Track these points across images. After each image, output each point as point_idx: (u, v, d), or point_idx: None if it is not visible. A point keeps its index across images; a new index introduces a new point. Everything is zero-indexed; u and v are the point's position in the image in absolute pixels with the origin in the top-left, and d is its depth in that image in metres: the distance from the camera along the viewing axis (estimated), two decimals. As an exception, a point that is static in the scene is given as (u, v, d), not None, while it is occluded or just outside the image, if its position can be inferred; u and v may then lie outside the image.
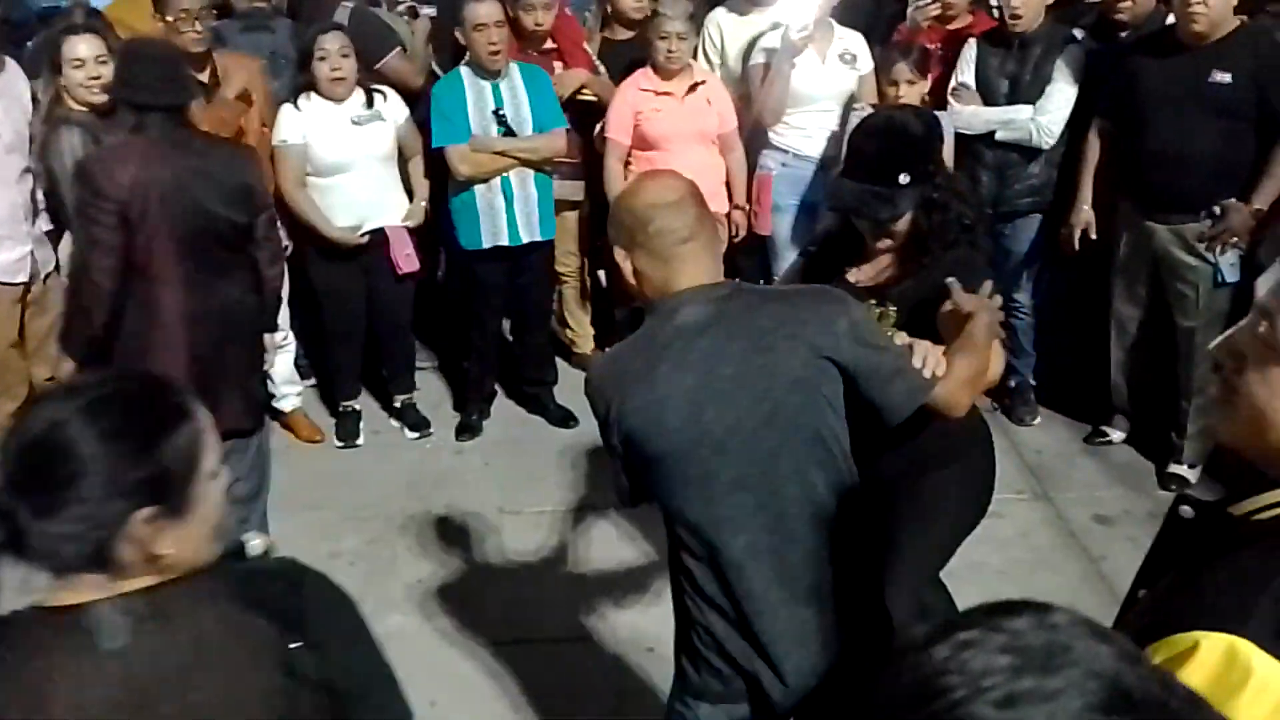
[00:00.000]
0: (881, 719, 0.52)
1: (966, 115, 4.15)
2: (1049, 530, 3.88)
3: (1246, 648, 0.91)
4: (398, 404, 4.62)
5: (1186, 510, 1.09)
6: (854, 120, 4.11)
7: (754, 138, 4.40)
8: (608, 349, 2.41)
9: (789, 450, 1.87)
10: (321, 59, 3.97)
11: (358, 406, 4.60)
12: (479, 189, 4.09)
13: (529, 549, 3.83)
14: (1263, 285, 3.18)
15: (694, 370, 1.84)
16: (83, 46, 3.62)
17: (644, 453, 1.88)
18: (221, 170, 3.12)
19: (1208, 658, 0.92)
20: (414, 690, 3.18)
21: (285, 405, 4.55)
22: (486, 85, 4.05)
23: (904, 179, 2.37)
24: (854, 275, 2.49)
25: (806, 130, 4.28)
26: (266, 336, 3.49)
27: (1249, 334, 1.06)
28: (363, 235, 4.19)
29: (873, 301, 2.41)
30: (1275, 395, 1.04)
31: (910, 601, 2.51)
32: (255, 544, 3.17)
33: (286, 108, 4.06)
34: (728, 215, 4.42)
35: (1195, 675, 0.92)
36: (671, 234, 1.88)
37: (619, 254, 1.95)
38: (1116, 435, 4.37)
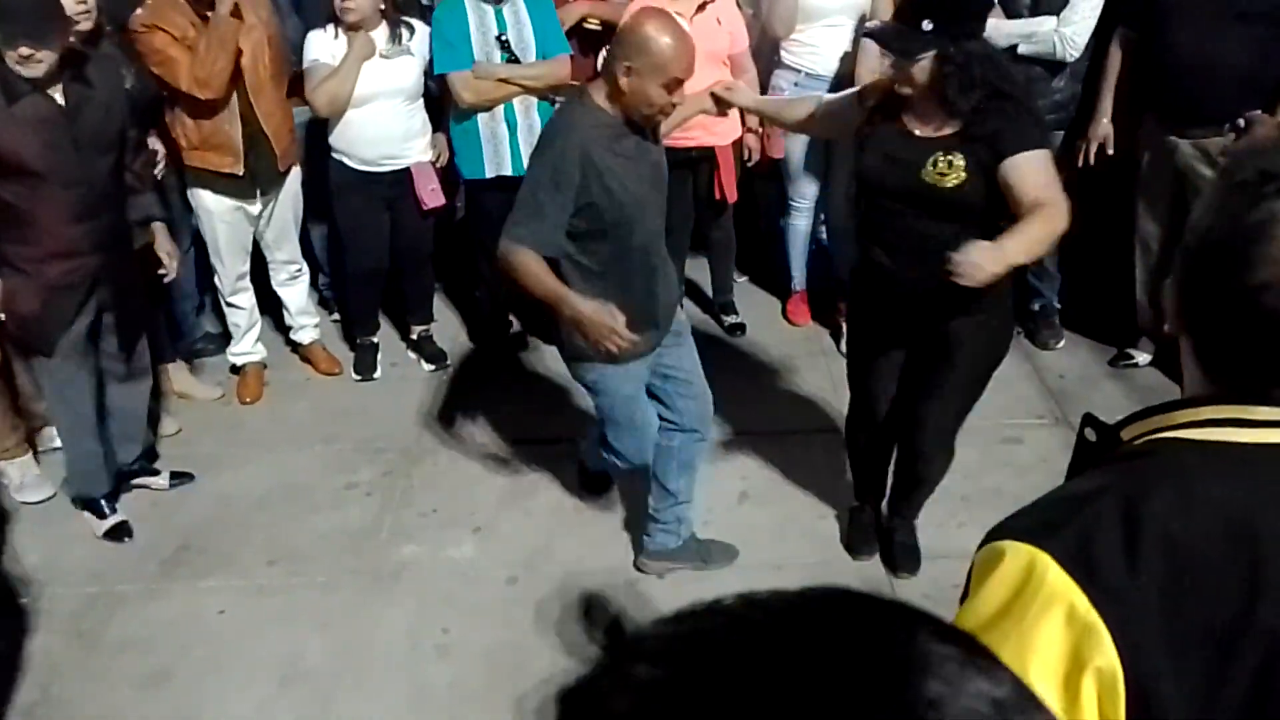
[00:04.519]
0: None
1: (988, 29, 4.00)
2: (1069, 456, 3.80)
3: (1044, 560, 0.91)
4: (415, 336, 4.63)
5: (1089, 433, 1.06)
6: (864, 39, 4.00)
7: (765, 58, 4.29)
8: None
9: None
10: None
11: (376, 340, 4.61)
12: (482, 117, 4.01)
13: (543, 480, 3.85)
14: None
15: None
16: None
17: None
18: None
19: (1010, 566, 0.93)
20: (428, 618, 3.25)
21: (303, 337, 4.58)
22: (489, 10, 3.95)
23: (926, 25, 2.56)
24: (919, 129, 2.72)
25: (818, 48, 4.15)
26: None
27: None
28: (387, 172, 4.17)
29: (940, 152, 2.66)
30: None
31: (944, 439, 3.10)
32: None
33: (317, 33, 4.00)
34: (740, 139, 4.34)
35: (999, 583, 0.93)
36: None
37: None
38: (1142, 358, 4.27)
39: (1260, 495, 0.92)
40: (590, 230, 2.76)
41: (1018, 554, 0.93)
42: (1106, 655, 0.87)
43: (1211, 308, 0.97)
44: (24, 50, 3.02)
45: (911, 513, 3.38)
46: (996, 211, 2.64)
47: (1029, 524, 0.96)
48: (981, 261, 2.39)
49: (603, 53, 4.24)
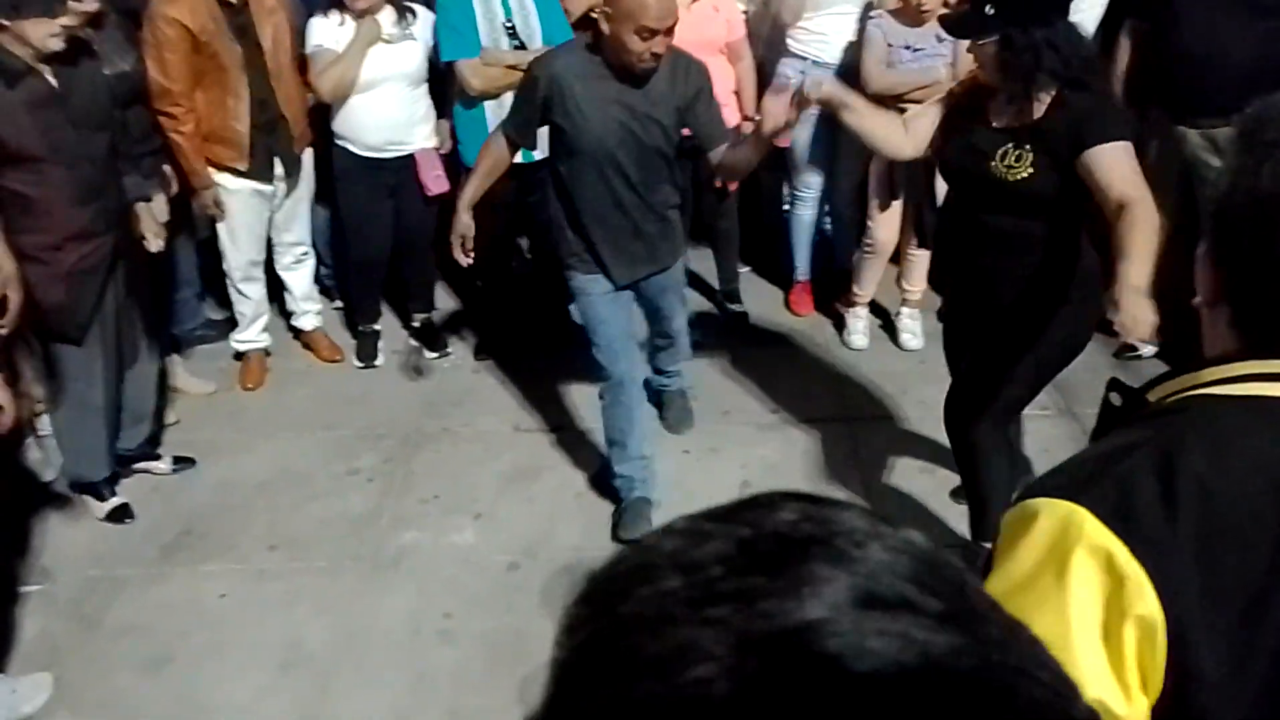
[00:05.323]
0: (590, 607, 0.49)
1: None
2: (1072, 446, 3.79)
3: (1081, 514, 0.90)
4: (417, 323, 4.62)
5: (1114, 397, 1.05)
6: (869, 29, 3.98)
7: (772, 46, 4.27)
8: None
9: None
10: None
11: (377, 327, 4.60)
12: (489, 105, 3.97)
13: (544, 466, 3.85)
14: None
15: None
16: None
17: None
18: None
19: (1046, 523, 0.93)
20: (429, 603, 3.24)
21: (305, 324, 4.57)
22: (495, -4, 3.95)
23: (989, 9, 2.56)
24: (996, 120, 2.71)
25: (825, 36, 4.14)
26: None
27: None
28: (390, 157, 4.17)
29: (1010, 144, 2.64)
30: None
31: (996, 428, 3.04)
32: None
33: (319, 18, 3.98)
34: (738, 127, 4.31)
35: (1035, 539, 0.93)
36: None
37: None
38: (1147, 350, 4.24)
39: None
40: (562, 146, 3.20)
41: (1053, 510, 0.92)
42: (1148, 604, 0.86)
43: (1255, 270, 0.96)
44: (65, 21, 3.03)
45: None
46: (1069, 204, 2.61)
47: (1062, 481, 0.95)
48: (1132, 311, 2.20)
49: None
